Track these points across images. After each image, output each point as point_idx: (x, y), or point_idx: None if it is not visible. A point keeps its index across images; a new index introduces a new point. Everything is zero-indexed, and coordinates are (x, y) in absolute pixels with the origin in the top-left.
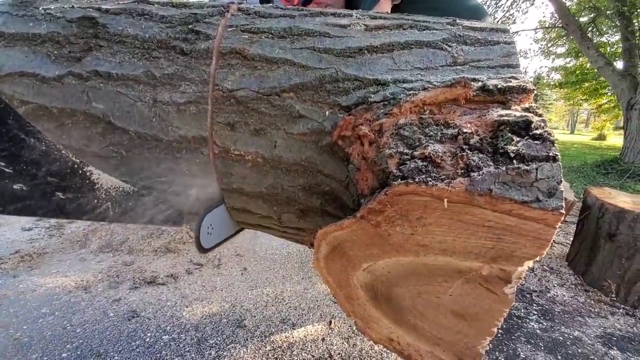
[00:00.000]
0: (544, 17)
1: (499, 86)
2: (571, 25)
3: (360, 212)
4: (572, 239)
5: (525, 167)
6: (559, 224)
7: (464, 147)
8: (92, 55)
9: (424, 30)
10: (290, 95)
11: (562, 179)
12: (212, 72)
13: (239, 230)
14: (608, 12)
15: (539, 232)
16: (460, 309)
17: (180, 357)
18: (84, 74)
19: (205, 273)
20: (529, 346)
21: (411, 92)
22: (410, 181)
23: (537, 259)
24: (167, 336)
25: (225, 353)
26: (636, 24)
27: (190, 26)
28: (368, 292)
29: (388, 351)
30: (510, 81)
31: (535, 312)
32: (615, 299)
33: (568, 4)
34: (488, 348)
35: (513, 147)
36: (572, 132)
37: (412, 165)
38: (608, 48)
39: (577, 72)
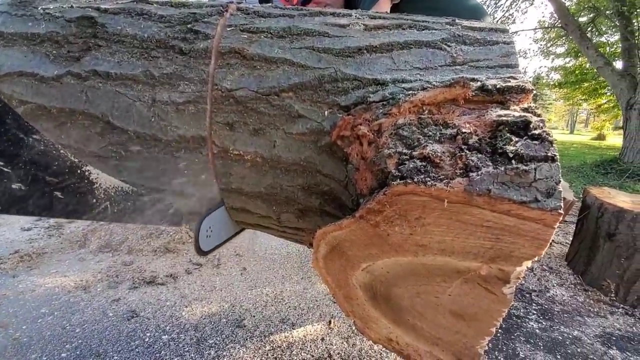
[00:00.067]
0: (543, 17)
1: (498, 86)
2: (570, 25)
3: (359, 212)
4: (571, 238)
5: (524, 167)
6: (558, 224)
7: (463, 147)
8: (91, 54)
9: (423, 30)
10: (289, 95)
11: (561, 179)
12: (211, 72)
13: (238, 232)
14: (607, 12)
15: (537, 232)
16: (459, 309)
17: (179, 357)
18: (82, 74)
19: (205, 273)
20: (528, 346)
21: (410, 92)
22: (409, 181)
23: (536, 259)
24: (166, 336)
25: (224, 353)
26: (635, 23)
27: (189, 26)
28: (367, 292)
29: (387, 351)
30: (509, 81)
31: (535, 312)
32: (614, 298)
33: (567, 3)
34: (487, 348)
35: (512, 147)
36: (571, 132)
37: (411, 166)
38: (607, 48)
39: (577, 72)
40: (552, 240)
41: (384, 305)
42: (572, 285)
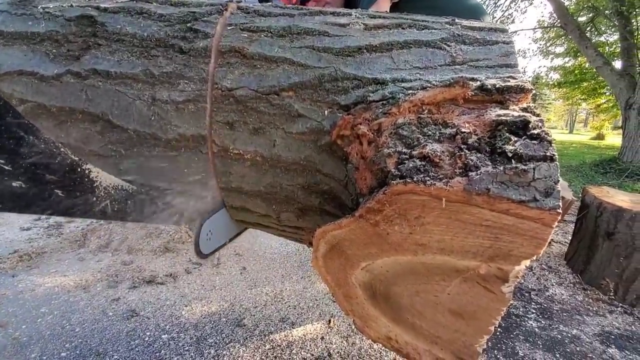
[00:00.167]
0: (542, 16)
1: (497, 86)
2: (570, 24)
3: (358, 211)
4: (570, 237)
5: (523, 167)
6: (556, 223)
7: (462, 146)
8: (91, 53)
9: (423, 29)
10: (289, 94)
11: (560, 179)
12: (211, 71)
13: (238, 233)
14: (606, 11)
15: (536, 231)
16: (458, 308)
17: (179, 356)
18: (82, 73)
19: (205, 272)
20: (527, 344)
21: (410, 91)
22: (409, 180)
23: (534, 258)
24: (166, 335)
25: (224, 352)
26: (635, 23)
27: (188, 24)
28: (366, 291)
29: (387, 350)
30: (509, 81)
31: (534, 311)
32: (613, 297)
33: (566, 3)
34: (486, 346)
35: (511, 147)
36: (570, 132)
37: (411, 165)
38: (606, 48)
39: (576, 71)
40: (551, 239)
41: (384, 304)
42: (571, 284)
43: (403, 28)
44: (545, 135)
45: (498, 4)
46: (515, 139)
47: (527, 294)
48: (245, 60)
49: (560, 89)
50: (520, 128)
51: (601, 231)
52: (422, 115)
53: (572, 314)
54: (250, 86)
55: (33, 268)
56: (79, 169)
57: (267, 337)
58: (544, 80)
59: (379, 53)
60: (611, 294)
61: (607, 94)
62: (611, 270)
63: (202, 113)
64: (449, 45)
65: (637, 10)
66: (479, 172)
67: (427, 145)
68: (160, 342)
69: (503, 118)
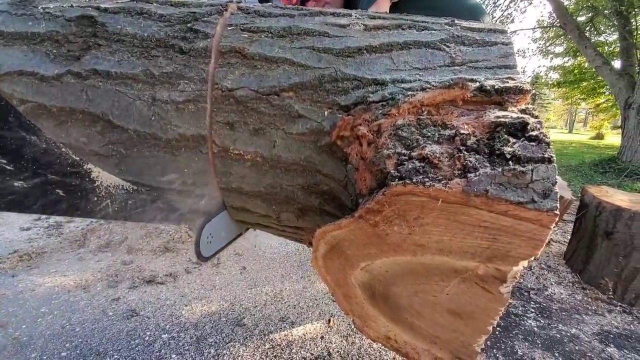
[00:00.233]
0: (542, 16)
1: (496, 87)
2: (569, 24)
3: (358, 212)
4: (569, 237)
5: (521, 169)
6: (554, 224)
7: (461, 148)
8: (91, 54)
9: (423, 30)
10: (289, 94)
11: (557, 180)
12: (211, 71)
13: (238, 235)
14: (606, 11)
15: (533, 232)
16: (457, 308)
17: (179, 356)
18: (82, 73)
19: (204, 272)
20: (526, 343)
21: (409, 92)
22: (408, 182)
23: (532, 259)
24: (166, 335)
25: (224, 351)
26: (634, 23)
27: (188, 25)
28: (366, 291)
29: (386, 349)
30: (507, 82)
31: (533, 310)
32: (612, 296)
33: (566, 3)
34: (486, 345)
35: (509, 149)
36: (570, 131)
37: (410, 166)
38: (606, 47)
39: (575, 71)
40: (551, 238)
41: (383, 304)
42: (570, 284)
43: (403, 29)
44: (544, 137)
45: (497, 3)
46: (514, 140)
47: (526, 293)
48: (246, 61)
49: (560, 89)
50: (519, 130)
51: (600, 230)
52: (421, 117)
53: (571, 313)
54: (251, 86)
55: (33, 268)
56: (80, 169)
57: (267, 337)
58: (543, 80)
59: (379, 54)
60: (610, 293)
61: (607, 93)
62: (610, 270)
63: (202, 113)
64: (448, 46)
65: (636, 10)
66: (477, 173)
67: (426, 146)
68: (161, 342)
69: (502, 120)
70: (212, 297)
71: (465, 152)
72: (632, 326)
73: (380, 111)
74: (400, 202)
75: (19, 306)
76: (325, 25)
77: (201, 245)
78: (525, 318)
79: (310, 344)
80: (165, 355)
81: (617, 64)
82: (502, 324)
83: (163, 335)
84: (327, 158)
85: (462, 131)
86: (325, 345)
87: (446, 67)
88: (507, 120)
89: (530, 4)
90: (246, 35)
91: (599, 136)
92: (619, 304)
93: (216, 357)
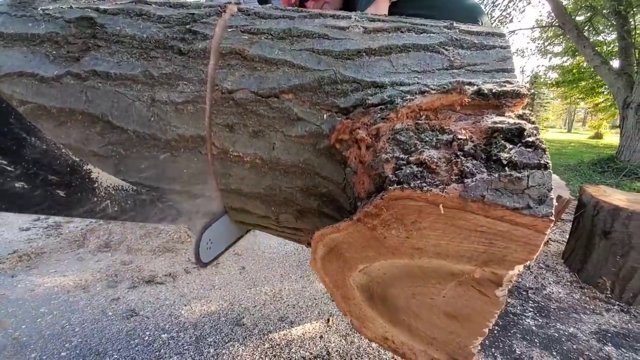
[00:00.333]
0: (540, 16)
1: (493, 91)
2: (568, 24)
3: (356, 215)
4: (567, 236)
5: (517, 175)
6: (549, 230)
7: (459, 153)
8: (91, 55)
9: (422, 33)
10: (289, 96)
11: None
12: (210, 72)
13: (238, 239)
14: (604, 11)
15: (529, 237)
16: (453, 310)
17: (179, 356)
18: (82, 74)
19: (204, 272)
20: (524, 342)
21: (408, 95)
22: (406, 186)
23: (528, 263)
24: (165, 335)
25: (223, 351)
26: (632, 22)
27: (187, 26)
28: (364, 293)
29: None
30: (505, 85)
31: (531, 309)
32: (610, 295)
33: (564, 3)
34: (484, 344)
35: (506, 155)
36: (569, 131)
37: (408, 171)
38: (604, 47)
39: (574, 71)
40: (549, 238)
41: (381, 305)
42: (569, 283)
43: (402, 32)
44: (540, 143)
45: (496, 3)
46: (511, 146)
47: (524, 293)
48: (246, 62)
49: (559, 88)
50: (516, 135)
51: (598, 230)
52: (419, 121)
53: (569, 312)
54: (251, 88)
55: (32, 268)
56: (79, 169)
57: (266, 336)
58: (542, 80)
59: (378, 56)
60: (608, 292)
61: (605, 93)
62: (608, 269)
63: (201, 114)
64: (447, 49)
65: (634, 9)
66: (474, 179)
67: (424, 151)
68: (160, 342)
69: (499, 125)
70: (212, 296)
71: (463, 158)
72: (629, 325)
73: (379, 115)
74: (398, 206)
75: (18, 306)
76: (325, 28)
77: (201, 251)
78: (524, 317)
79: (309, 343)
80: (165, 355)
81: (615, 63)
82: (501, 322)
83: (162, 335)
84: (326, 161)
85: (459, 136)
86: (324, 345)
87: (444, 70)
88: (504, 125)
89: (529, 3)
90: (246, 37)
91: (598, 135)
92: (617, 303)
93: (215, 357)
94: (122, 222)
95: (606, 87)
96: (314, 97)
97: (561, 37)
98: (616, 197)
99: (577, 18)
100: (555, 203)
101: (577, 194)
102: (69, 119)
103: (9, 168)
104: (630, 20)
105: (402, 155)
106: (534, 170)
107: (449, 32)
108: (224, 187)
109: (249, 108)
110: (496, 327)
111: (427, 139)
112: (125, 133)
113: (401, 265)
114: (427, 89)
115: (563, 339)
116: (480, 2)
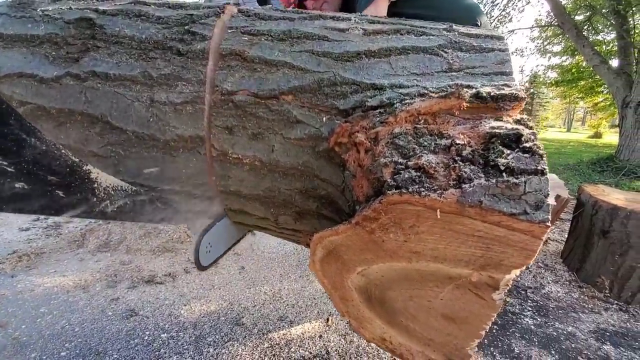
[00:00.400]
0: (540, 15)
1: (492, 94)
2: (567, 23)
3: (355, 219)
4: (566, 236)
5: (515, 180)
6: (545, 235)
7: (457, 158)
8: (90, 56)
9: (421, 35)
10: (288, 98)
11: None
12: (210, 73)
13: (237, 241)
14: (603, 10)
15: (526, 242)
16: (450, 313)
17: (178, 355)
18: (81, 75)
19: (203, 272)
20: (523, 341)
21: (407, 97)
22: (404, 191)
23: (524, 267)
24: (165, 334)
25: (223, 351)
26: (631, 22)
27: (186, 27)
28: (362, 294)
29: None
30: (503, 89)
31: (530, 308)
32: (608, 295)
33: (564, 2)
34: (483, 343)
35: (503, 160)
36: (568, 130)
37: (406, 175)
38: (603, 46)
39: (573, 70)
40: (548, 237)
41: (379, 307)
42: (567, 282)
43: (401, 34)
44: (537, 149)
45: (495, 2)
46: (508, 151)
47: (523, 292)
48: (246, 64)
49: (558, 88)
50: (513, 141)
51: (596, 229)
52: (418, 126)
53: (567, 311)
54: (251, 89)
55: (32, 268)
56: (79, 170)
57: (265, 336)
58: (541, 79)
59: (378, 58)
60: (606, 291)
61: (604, 92)
62: (606, 268)
63: (200, 114)
64: (446, 52)
65: (633, 9)
66: (472, 184)
67: (422, 156)
68: (160, 341)
69: (497, 130)
70: (211, 296)
71: (461, 163)
72: (628, 324)
73: (378, 119)
74: (396, 210)
75: (18, 306)
76: (325, 29)
77: (200, 255)
78: (522, 316)
79: (308, 343)
80: (165, 355)
81: (614, 62)
82: (499, 322)
83: (162, 335)
84: (325, 163)
85: (457, 141)
86: (324, 344)
87: (443, 72)
88: (502, 131)
89: (528, 3)
90: (246, 38)
91: (597, 135)
92: (616, 302)
93: (215, 356)
94: (122, 222)
95: (605, 86)
96: (314, 99)
97: (560, 36)
98: (615, 196)
99: (576, 17)
100: (553, 203)
101: (576, 193)
102: (68, 119)
103: (9, 169)
104: (629, 19)
105: (400, 160)
106: (530, 176)
107: (448, 35)
108: (223, 188)
109: (249, 110)
110: (495, 326)
111: (425, 143)
112: (124, 133)
113: (399, 268)
114: (426, 91)
115: (562, 338)
116: (479, 1)
